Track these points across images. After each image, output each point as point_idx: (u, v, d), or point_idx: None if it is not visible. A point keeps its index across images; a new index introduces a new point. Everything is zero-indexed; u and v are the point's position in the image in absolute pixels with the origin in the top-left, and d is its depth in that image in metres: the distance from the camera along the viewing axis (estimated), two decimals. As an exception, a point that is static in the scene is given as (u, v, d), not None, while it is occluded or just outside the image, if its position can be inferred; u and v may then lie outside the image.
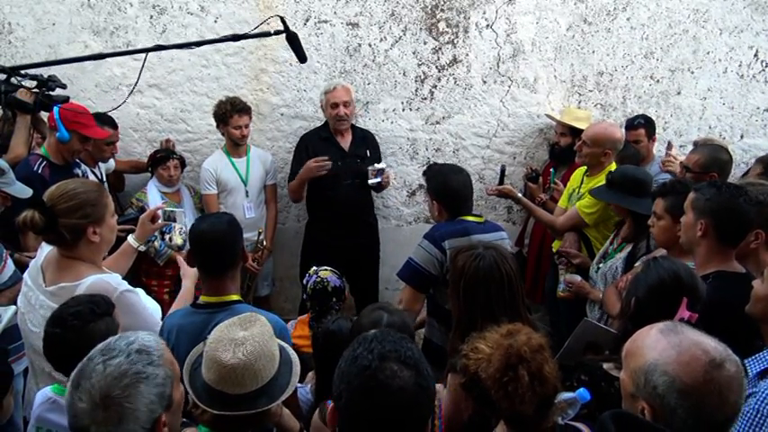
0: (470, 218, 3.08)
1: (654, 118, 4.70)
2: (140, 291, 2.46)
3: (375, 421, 1.40)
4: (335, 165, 4.31)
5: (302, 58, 2.87)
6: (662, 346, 1.50)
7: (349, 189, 4.36)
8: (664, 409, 1.45)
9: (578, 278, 3.48)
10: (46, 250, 2.44)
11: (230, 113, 4.26)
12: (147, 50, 2.62)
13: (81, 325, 1.97)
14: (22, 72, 3.08)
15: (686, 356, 1.46)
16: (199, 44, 2.82)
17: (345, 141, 4.44)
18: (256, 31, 2.77)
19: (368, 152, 4.47)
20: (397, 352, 1.45)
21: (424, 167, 4.75)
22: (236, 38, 2.69)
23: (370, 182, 4.26)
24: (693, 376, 1.43)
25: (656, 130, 4.59)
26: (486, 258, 2.29)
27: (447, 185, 3.11)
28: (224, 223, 2.39)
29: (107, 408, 1.45)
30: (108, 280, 2.33)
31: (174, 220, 2.90)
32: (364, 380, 1.41)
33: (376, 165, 4.27)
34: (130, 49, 4.45)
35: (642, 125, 4.38)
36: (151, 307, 2.47)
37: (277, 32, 2.70)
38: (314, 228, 4.56)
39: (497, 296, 2.26)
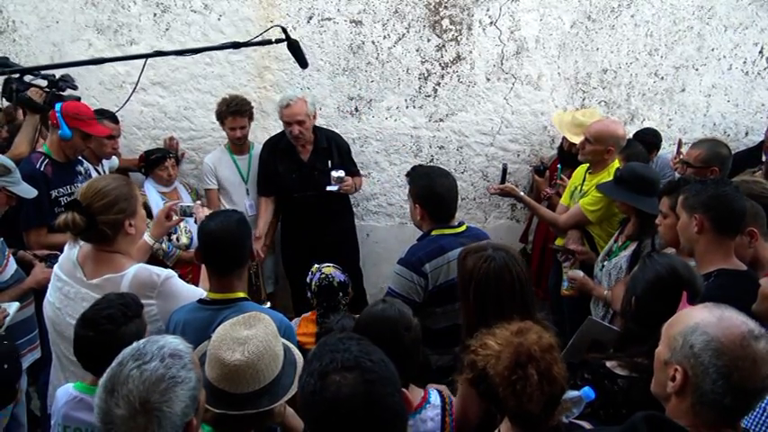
0: (448, 230, 2.97)
1: (658, 115, 4.70)
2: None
3: None
4: (290, 177, 4.27)
5: (303, 64, 2.89)
6: (704, 315, 1.56)
7: (302, 202, 4.29)
8: (696, 369, 1.50)
9: (581, 274, 3.47)
10: (75, 245, 2.47)
11: (225, 114, 4.26)
12: (146, 56, 2.63)
13: (113, 329, 1.99)
14: (34, 71, 3.11)
15: (727, 322, 1.52)
16: (196, 51, 2.81)
17: (305, 152, 4.31)
18: (257, 39, 2.78)
19: (329, 162, 4.32)
20: (334, 361, 1.42)
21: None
22: (236, 45, 2.70)
23: (328, 188, 4.20)
24: (731, 339, 1.48)
25: (661, 128, 4.60)
26: (497, 260, 2.22)
27: (432, 190, 2.97)
28: (233, 222, 2.40)
29: (147, 413, 1.45)
30: (150, 269, 2.41)
31: (191, 215, 2.92)
32: (317, 406, 1.39)
33: (334, 173, 4.18)
34: (131, 54, 4.40)
35: (656, 146, 4.44)
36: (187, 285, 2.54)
37: (278, 41, 2.71)
38: (285, 238, 4.54)
39: (509, 298, 2.19)
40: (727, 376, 1.46)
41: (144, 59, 2.64)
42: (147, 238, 2.81)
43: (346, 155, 4.46)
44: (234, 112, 4.24)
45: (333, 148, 4.38)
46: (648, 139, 4.36)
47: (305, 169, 4.29)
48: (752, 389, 1.48)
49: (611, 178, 3.51)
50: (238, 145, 4.42)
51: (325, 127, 4.53)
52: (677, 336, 1.56)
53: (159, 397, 1.47)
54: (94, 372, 2.06)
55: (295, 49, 2.80)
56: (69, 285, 2.40)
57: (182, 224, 3.63)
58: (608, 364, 2.10)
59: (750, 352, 1.46)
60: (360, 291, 4.49)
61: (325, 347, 1.50)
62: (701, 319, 1.54)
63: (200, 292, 2.49)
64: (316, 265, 3.15)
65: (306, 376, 1.44)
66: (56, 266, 2.51)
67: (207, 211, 2.88)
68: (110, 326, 1.99)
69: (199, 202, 3.16)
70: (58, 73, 3.57)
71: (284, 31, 2.74)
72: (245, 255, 2.43)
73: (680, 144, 4.32)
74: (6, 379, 1.90)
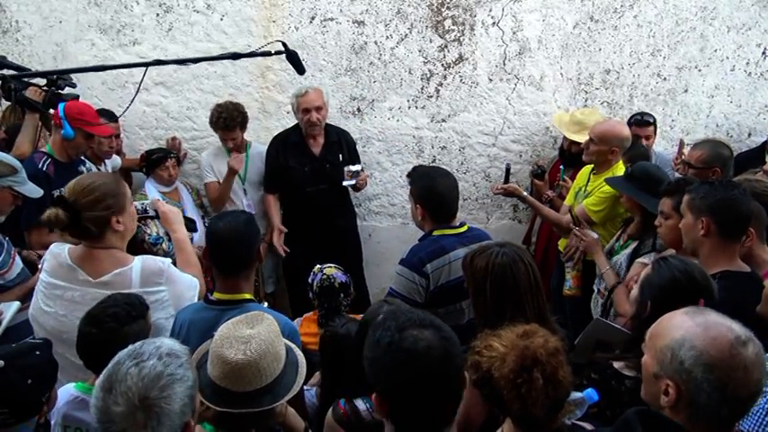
0: (450, 231, 2.96)
1: (661, 116, 4.68)
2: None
3: (420, 387, 1.46)
4: (302, 171, 4.28)
5: (301, 71, 2.93)
6: (688, 324, 1.54)
7: (314, 196, 4.29)
8: (689, 385, 1.48)
9: (595, 235, 3.45)
10: (61, 249, 2.45)
11: (215, 126, 4.28)
12: (146, 65, 2.65)
13: (117, 327, 2.01)
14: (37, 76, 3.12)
15: (713, 332, 1.50)
16: (196, 61, 2.85)
17: (317, 145, 4.34)
18: (259, 51, 2.84)
19: (340, 156, 4.36)
20: (411, 320, 1.53)
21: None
22: (236, 56, 2.75)
23: (344, 183, 4.22)
24: (720, 350, 1.46)
25: (664, 129, 4.60)
26: (508, 253, 2.26)
27: (433, 190, 2.96)
28: (241, 223, 2.39)
29: (146, 409, 1.45)
30: (154, 258, 2.46)
31: (149, 212, 2.92)
32: (393, 355, 1.47)
33: (351, 167, 4.21)
34: (133, 53, 4.52)
35: (652, 123, 4.42)
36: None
37: (278, 52, 2.76)
38: (289, 234, 4.51)
39: (526, 287, 2.23)
40: (721, 389, 1.45)
41: (145, 68, 2.67)
42: None
43: (354, 151, 4.49)
44: (223, 127, 4.25)
45: (343, 143, 4.41)
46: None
47: (316, 163, 4.31)
48: (747, 395, 1.48)
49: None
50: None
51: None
52: (664, 349, 1.54)
53: (158, 393, 1.47)
54: (95, 370, 2.05)
55: (293, 59, 2.85)
56: (72, 290, 2.38)
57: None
58: (615, 364, 2.09)
59: (740, 360, 1.45)
60: (362, 290, 4.50)
61: (396, 312, 1.63)
62: (686, 331, 1.52)
63: (190, 277, 2.52)
64: (317, 266, 3.14)
65: (381, 331, 1.52)
66: (44, 274, 2.47)
67: (168, 206, 2.89)
68: (113, 324, 2.01)
69: (156, 197, 3.13)
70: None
71: (284, 45, 2.78)
72: (253, 256, 2.41)
73: (681, 144, 4.32)
74: (29, 392, 1.90)
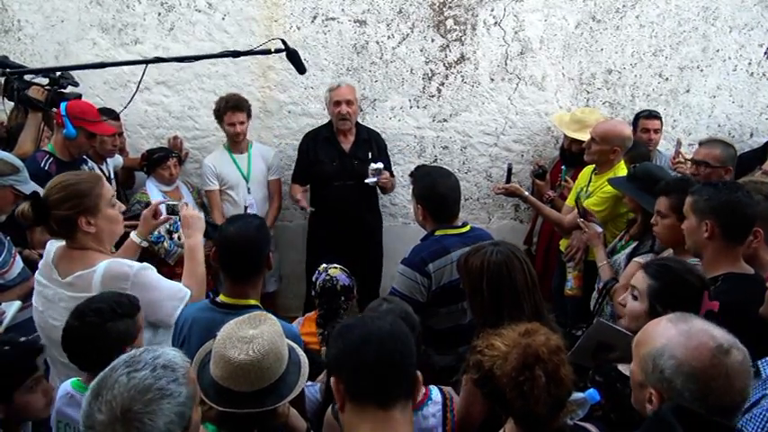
0: (451, 231, 2.96)
1: (662, 116, 4.68)
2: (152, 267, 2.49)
3: (371, 361, 1.54)
4: (331, 165, 4.33)
5: (301, 70, 2.94)
6: (671, 333, 1.53)
7: (340, 190, 4.33)
8: (671, 393, 1.47)
9: (599, 229, 3.45)
10: (52, 247, 2.46)
11: (224, 110, 4.29)
12: (146, 62, 2.67)
13: (99, 322, 2.00)
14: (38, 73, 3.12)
15: (694, 341, 1.49)
16: (197, 58, 2.85)
17: (347, 142, 4.40)
18: (257, 49, 2.84)
19: (370, 154, 4.40)
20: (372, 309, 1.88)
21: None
22: (236, 54, 2.75)
23: (366, 181, 4.24)
24: (700, 360, 1.45)
25: (666, 129, 4.60)
26: (503, 251, 2.27)
27: (434, 190, 2.97)
28: (253, 228, 2.36)
29: (127, 422, 1.39)
30: (122, 261, 2.38)
31: (177, 213, 2.92)
32: (347, 337, 1.61)
33: (373, 164, 4.23)
34: (135, 53, 4.51)
35: (659, 117, 4.46)
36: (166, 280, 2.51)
37: (277, 50, 2.75)
38: (314, 226, 4.56)
39: (523, 284, 2.23)
40: (702, 399, 1.44)
41: (144, 65, 2.68)
42: (134, 236, 2.76)
43: (384, 152, 4.53)
44: (233, 107, 4.27)
45: (372, 143, 4.46)
46: None
47: (346, 158, 4.36)
48: (730, 403, 1.46)
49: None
50: (237, 142, 4.43)
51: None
52: (647, 357, 1.54)
53: (142, 407, 1.40)
54: (80, 366, 2.07)
55: (294, 58, 2.85)
56: (48, 288, 2.38)
57: None
58: (620, 366, 2.09)
59: (722, 369, 1.44)
60: (376, 289, 4.54)
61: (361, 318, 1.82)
62: (668, 339, 1.52)
63: (179, 286, 2.48)
64: (323, 265, 3.12)
65: (340, 333, 1.66)
66: (37, 272, 2.48)
67: (191, 209, 2.87)
68: (95, 318, 2.00)
69: (183, 200, 3.13)
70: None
71: (284, 42, 2.78)
72: (262, 262, 2.39)
73: (679, 144, 4.31)
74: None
